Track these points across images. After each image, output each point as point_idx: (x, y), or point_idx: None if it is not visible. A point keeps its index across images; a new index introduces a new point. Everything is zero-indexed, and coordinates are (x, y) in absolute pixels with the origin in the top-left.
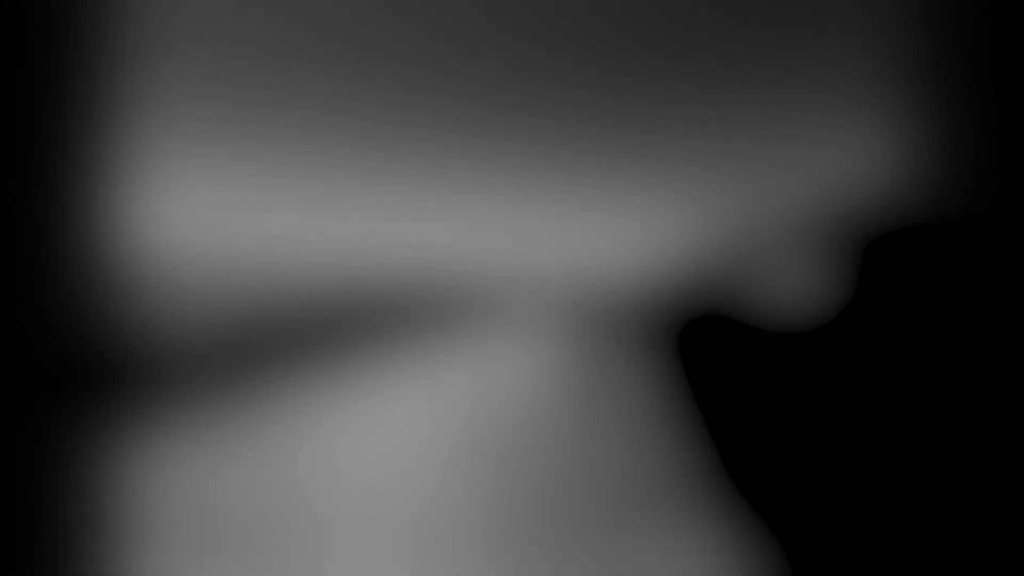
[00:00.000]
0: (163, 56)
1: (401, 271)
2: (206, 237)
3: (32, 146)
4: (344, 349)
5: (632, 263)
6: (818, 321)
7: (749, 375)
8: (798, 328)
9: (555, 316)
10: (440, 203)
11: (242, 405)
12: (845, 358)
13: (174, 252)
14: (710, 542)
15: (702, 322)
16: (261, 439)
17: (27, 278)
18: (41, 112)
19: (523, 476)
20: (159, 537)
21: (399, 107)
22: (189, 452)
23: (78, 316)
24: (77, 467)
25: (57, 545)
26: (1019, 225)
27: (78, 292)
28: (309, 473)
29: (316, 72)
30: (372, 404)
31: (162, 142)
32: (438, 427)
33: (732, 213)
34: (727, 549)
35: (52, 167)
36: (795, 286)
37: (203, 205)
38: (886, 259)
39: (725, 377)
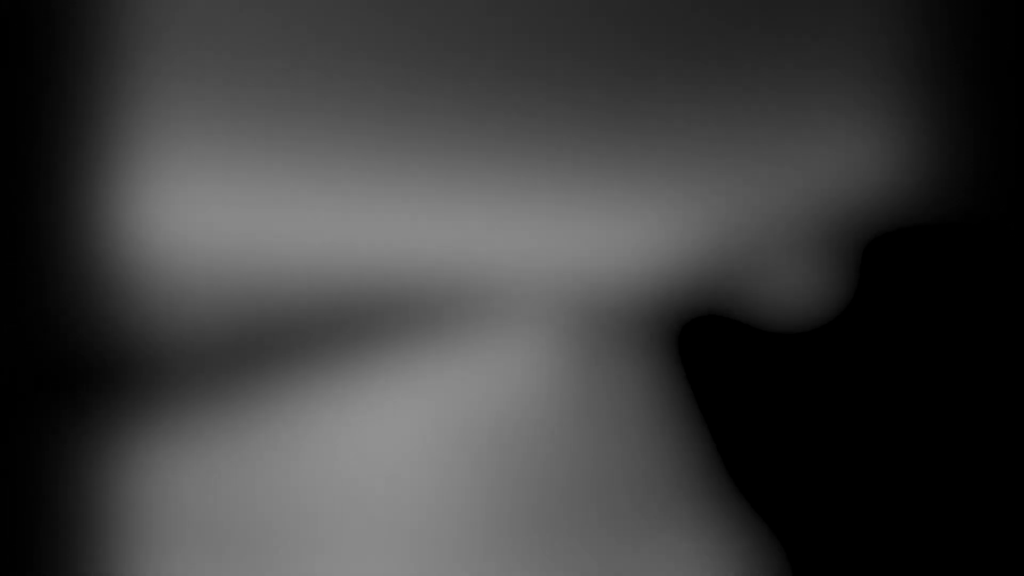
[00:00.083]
0: (163, 56)
1: (401, 271)
2: (206, 237)
3: (32, 146)
4: (344, 349)
5: (632, 263)
6: (818, 321)
7: (749, 375)
8: (798, 328)
9: (555, 316)
10: (440, 203)
11: (242, 405)
12: (845, 358)
13: (174, 252)
14: (710, 542)
15: (702, 322)
16: (261, 439)
17: (27, 278)
18: (41, 112)
19: (523, 476)
20: (159, 537)
21: (399, 107)
22: (189, 452)
23: (78, 316)
24: (77, 467)
25: (57, 545)
26: (1019, 225)
27: (78, 292)
28: (309, 473)
29: (316, 72)
30: (372, 405)
31: (162, 142)
32: (438, 427)
33: (732, 213)
34: (727, 549)
35: (52, 167)
36: (795, 286)
37: (203, 205)
38: (886, 259)
39: (725, 377)
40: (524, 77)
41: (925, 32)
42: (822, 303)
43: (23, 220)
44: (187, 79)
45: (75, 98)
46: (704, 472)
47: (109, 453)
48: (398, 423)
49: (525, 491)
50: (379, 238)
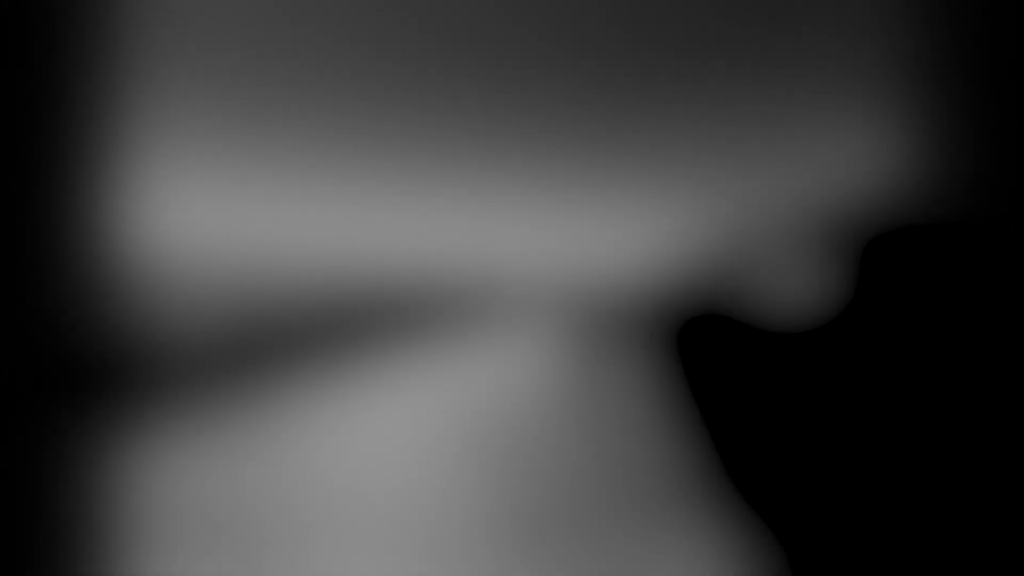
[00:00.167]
0: (163, 56)
1: (402, 271)
2: (206, 237)
3: (32, 146)
4: (344, 349)
5: (632, 263)
6: (818, 321)
7: (748, 375)
8: (798, 328)
9: (555, 316)
10: (440, 203)
11: (242, 405)
12: (844, 358)
13: (174, 252)
14: (710, 542)
15: (701, 321)
16: (261, 439)
17: (27, 278)
18: (41, 112)
19: (523, 476)
20: (159, 537)
21: (400, 107)
22: (189, 452)
23: (78, 316)
24: (77, 467)
25: (57, 545)
26: (1019, 225)
27: (78, 292)
28: (309, 473)
29: (317, 72)
30: (372, 405)
31: (162, 142)
32: (438, 427)
33: (732, 213)
34: (727, 549)
35: (52, 167)
36: (795, 286)
37: (203, 205)
38: (886, 259)
39: (724, 377)
40: (525, 77)
41: (925, 32)
42: (822, 303)
43: (23, 220)
44: (187, 79)
45: (75, 98)
46: (704, 472)
47: (109, 453)
48: (398, 423)
49: (525, 491)
50: (379, 238)
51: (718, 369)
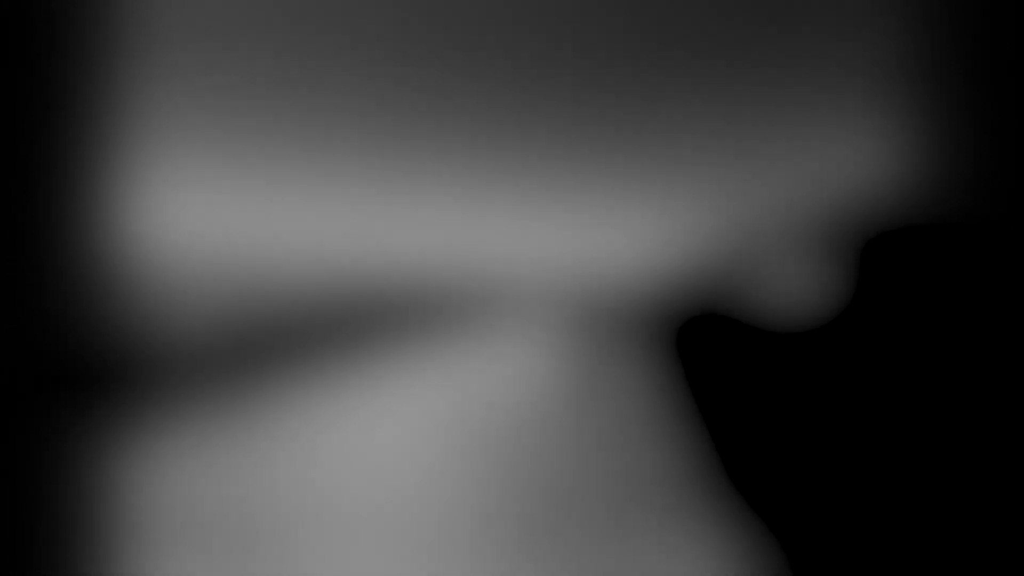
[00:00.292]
0: (163, 56)
1: (401, 271)
2: (206, 237)
3: (32, 146)
4: (344, 349)
5: (632, 262)
6: (818, 321)
7: (748, 374)
8: (798, 327)
9: (555, 316)
10: (440, 203)
11: (241, 405)
12: (844, 358)
13: (174, 252)
14: (709, 542)
15: (701, 321)
16: (261, 439)
17: (27, 278)
18: (41, 112)
19: (523, 476)
20: (159, 537)
21: (400, 107)
22: (189, 452)
23: (78, 316)
24: (77, 467)
25: (57, 545)
26: (1019, 225)
27: (78, 292)
28: (309, 473)
29: (317, 72)
30: (372, 404)
31: (162, 142)
32: (438, 427)
33: (732, 212)
34: (726, 549)
35: (52, 167)
36: (795, 286)
37: (203, 205)
38: (886, 259)
39: (724, 376)
40: (525, 77)
41: (925, 32)
42: (822, 303)
43: (23, 220)
44: (187, 79)
45: (75, 98)
46: (704, 472)
47: (109, 453)
48: (399, 423)
49: (525, 491)
50: (379, 238)
51: (718, 369)
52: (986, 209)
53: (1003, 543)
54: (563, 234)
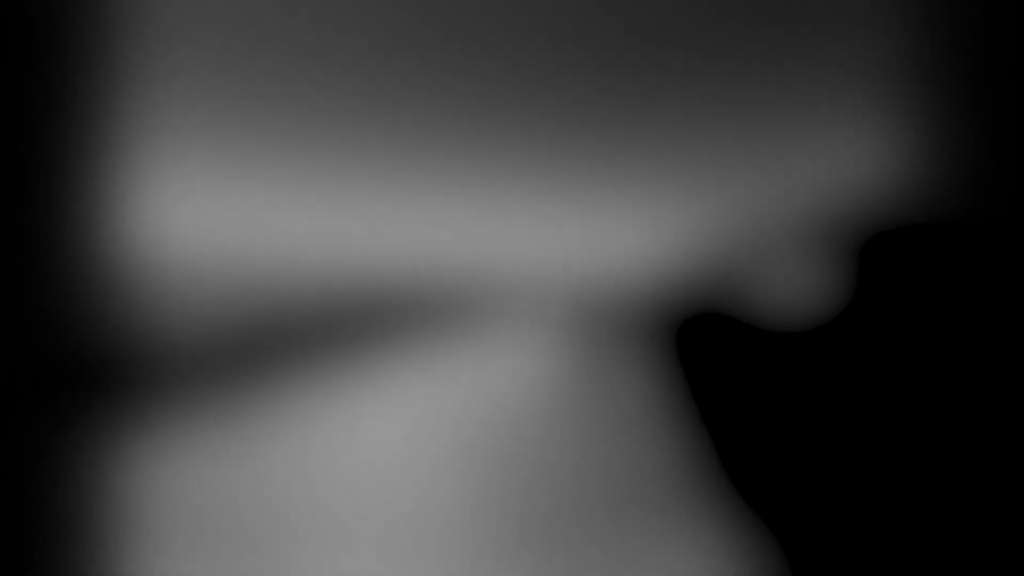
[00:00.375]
0: (163, 56)
1: (401, 271)
2: (206, 237)
3: (32, 146)
4: (344, 349)
5: (631, 262)
6: (817, 320)
7: (748, 374)
8: (797, 327)
9: (555, 316)
10: (440, 203)
11: (242, 405)
12: (844, 358)
13: (174, 252)
14: (709, 542)
15: (700, 320)
16: (261, 439)
17: (27, 278)
18: (41, 112)
19: (522, 475)
20: (159, 537)
21: (399, 107)
22: (189, 452)
23: (78, 316)
24: (77, 467)
25: (57, 545)
26: (1019, 225)
27: (78, 292)
28: (310, 473)
29: (317, 72)
30: (372, 404)
31: (162, 142)
32: (438, 427)
33: (732, 212)
34: (726, 549)
35: (52, 167)
36: (795, 285)
37: (203, 205)
38: (885, 259)
39: (723, 376)
40: (525, 77)
41: (925, 32)
42: (822, 302)
43: (23, 220)
44: (187, 79)
45: (75, 98)
46: (703, 471)
47: (109, 453)
48: (399, 422)
49: (525, 490)
50: (379, 238)
51: (718, 368)
52: (986, 209)
53: (1003, 543)
54: (563, 234)
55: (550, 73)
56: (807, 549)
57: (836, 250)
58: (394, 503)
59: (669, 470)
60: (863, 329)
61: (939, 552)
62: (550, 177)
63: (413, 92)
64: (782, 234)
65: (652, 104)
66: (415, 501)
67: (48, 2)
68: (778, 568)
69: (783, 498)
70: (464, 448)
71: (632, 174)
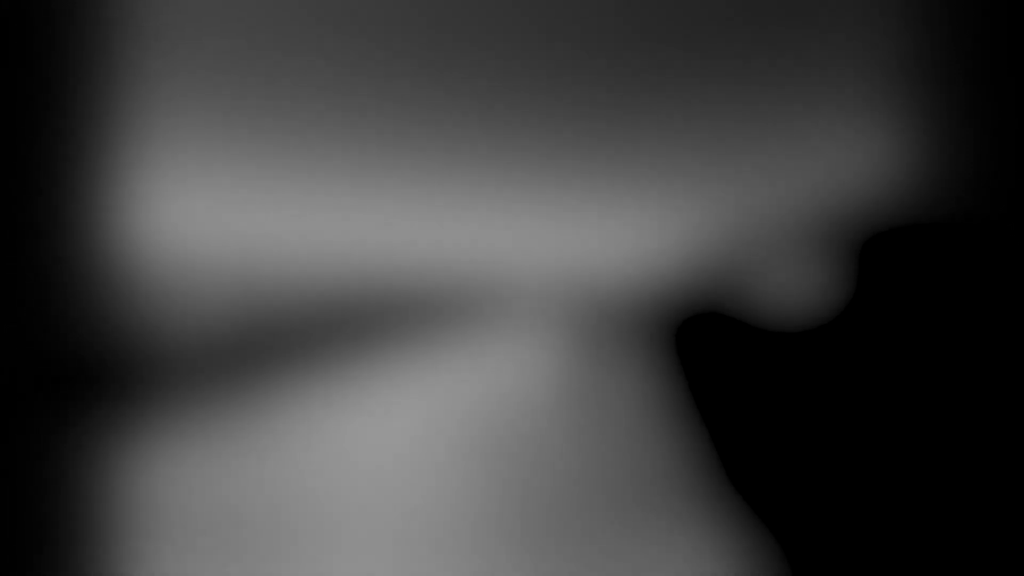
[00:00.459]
0: (163, 56)
1: (402, 271)
2: (206, 237)
3: (32, 146)
4: (345, 349)
5: (631, 261)
6: (817, 320)
7: (747, 374)
8: (797, 327)
9: (554, 315)
10: (440, 203)
11: (243, 405)
12: (844, 357)
13: (174, 252)
14: (708, 542)
15: (700, 320)
16: (262, 439)
17: (27, 278)
18: (41, 112)
19: (522, 475)
20: (159, 537)
21: (399, 107)
22: (190, 452)
23: (78, 316)
24: (77, 467)
25: (57, 545)
26: (1019, 225)
27: (78, 292)
28: (310, 473)
29: (317, 72)
30: (373, 404)
31: (162, 142)
32: (438, 426)
33: (732, 212)
34: (725, 549)
35: (52, 167)
36: (795, 285)
37: (203, 205)
38: (885, 258)
39: (723, 376)
40: (524, 77)
41: (925, 32)
42: (821, 302)
43: (23, 220)
44: (187, 79)
45: (75, 98)
46: (703, 471)
47: (110, 453)
48: (398, 423)
49: (525, 490)
50: (379, 238)
51: (717, 368)
52: (986, 209)
53: (1003, 543)
54: (563, 234)
55: (550, 74)
56: (807, 549)
57: (836, 250)
58: (394, 503)
59: (669, 470)
60: (863, 329)
61: (939, 552)
62: (551, 177)
63: (413, 92)
64: (782, 234)
65: (653, 104)
66: (415, 501)
67: (48, 2)
68: (778, 568)
69: (783, 498)
70: (465, 448)
71: (633, 174)
